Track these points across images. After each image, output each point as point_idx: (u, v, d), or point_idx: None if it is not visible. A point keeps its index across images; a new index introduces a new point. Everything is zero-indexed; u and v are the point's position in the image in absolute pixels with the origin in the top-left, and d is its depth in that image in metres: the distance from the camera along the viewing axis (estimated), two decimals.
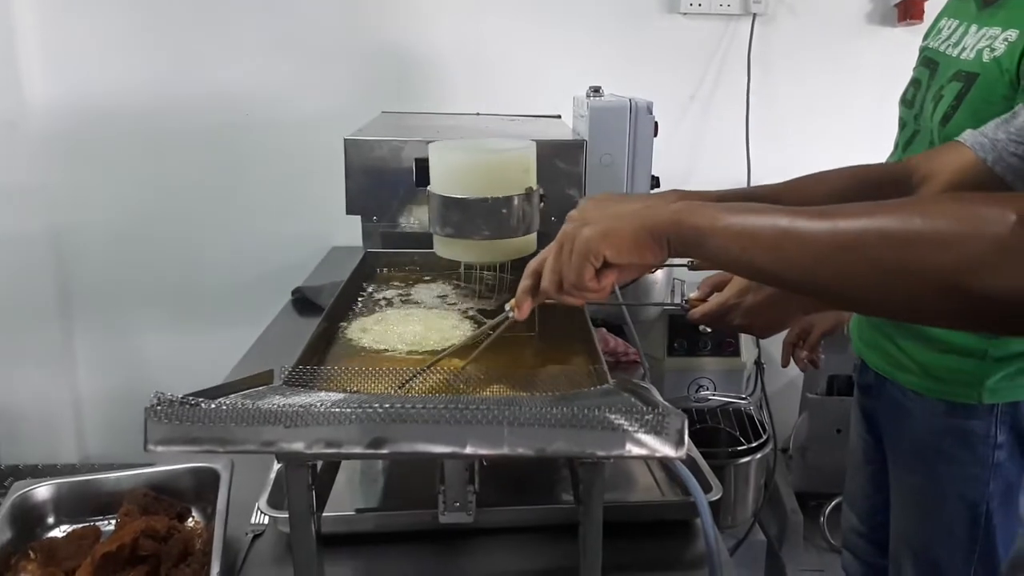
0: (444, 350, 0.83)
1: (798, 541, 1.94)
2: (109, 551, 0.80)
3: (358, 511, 0.89)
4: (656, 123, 1.44)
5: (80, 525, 0.91)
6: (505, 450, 0.51)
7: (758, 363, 1.94)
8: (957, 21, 1.10)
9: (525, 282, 0.80)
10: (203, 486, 0.91)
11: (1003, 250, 0.48)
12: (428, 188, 1.02)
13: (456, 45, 2.14)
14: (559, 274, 0.74)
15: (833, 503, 2.16)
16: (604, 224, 0.71)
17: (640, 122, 1.41)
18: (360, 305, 1.03)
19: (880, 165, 1.06)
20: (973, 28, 1.05)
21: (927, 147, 1.04)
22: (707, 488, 0.86)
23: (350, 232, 1.33)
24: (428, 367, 0.77)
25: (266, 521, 0.88)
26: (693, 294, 1.09)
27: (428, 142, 1.06)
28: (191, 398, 0.51)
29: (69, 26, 2.09)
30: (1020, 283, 0.48)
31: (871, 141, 1.33)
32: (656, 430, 0.51)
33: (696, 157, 2.21)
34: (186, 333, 2.29)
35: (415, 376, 0.74)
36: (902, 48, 1.37)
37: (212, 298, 2.28)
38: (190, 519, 0.92)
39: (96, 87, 2.12)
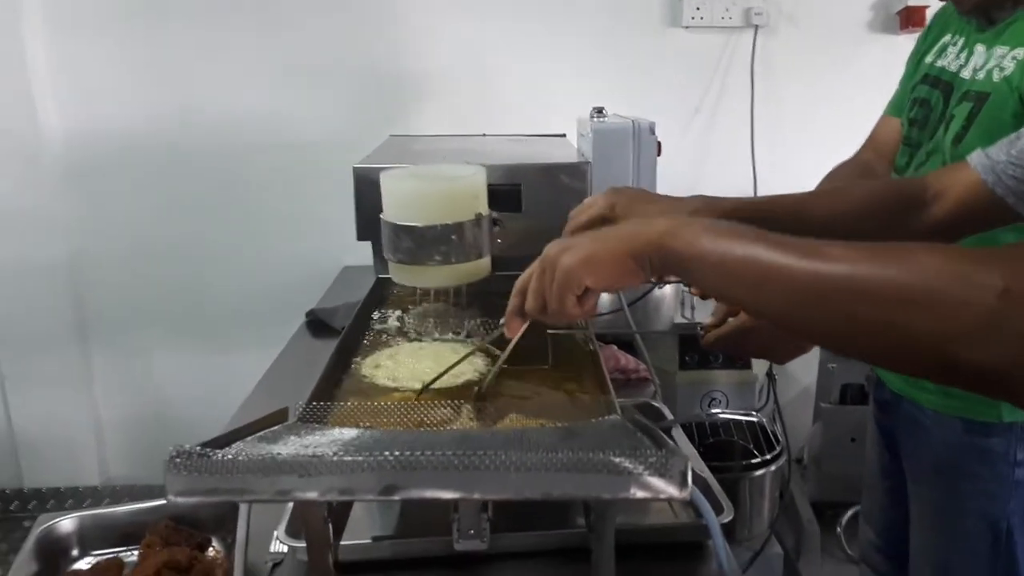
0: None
1: (816, 552, 1.93)
2: None
3: (375, 539, 0.90)
4: (659, 143, 1.45)
5: (104, 556, 0.93)
6: (512, 494, 0.53)
7: (770, 375, 1.93)
8: (963, 39, 1.10)
9: (513, 301, 0.79)
10: (223, 516, 0.94)
11: (986, 322, 0.47)
12: (381, 215, 1.06)
13: (462, 65, 2.17)
14: (542, 297, 0.74)
15: (850, 512, 2.15)
16: (585, 250, 0.70)
17: (643, 143, 1.42)
18: (372, 336, 1.05)
19: (898, 182, 1.09)
20: (981, 48, 1.05)
21: (940, 167, 1.04)
22: (719, 510, 0.87)
23: (361, 251, 1.35)
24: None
25: (285, 550, 0.89)
26: (708, 319, 1.07)
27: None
28: (208, 449, 0.53)
29: (80, 58, 2.14)
30: (999, 357, 0.47)
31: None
32: (660, 472, 0.52)
33: (702, 169, 2.22)
34: (202, 355, 2.33)
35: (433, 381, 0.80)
36: (905, 55, 1.37)
37: (227, 320, 2.31)
38: (211, 549, 0.94)
39: (108, 117, 2.17)
